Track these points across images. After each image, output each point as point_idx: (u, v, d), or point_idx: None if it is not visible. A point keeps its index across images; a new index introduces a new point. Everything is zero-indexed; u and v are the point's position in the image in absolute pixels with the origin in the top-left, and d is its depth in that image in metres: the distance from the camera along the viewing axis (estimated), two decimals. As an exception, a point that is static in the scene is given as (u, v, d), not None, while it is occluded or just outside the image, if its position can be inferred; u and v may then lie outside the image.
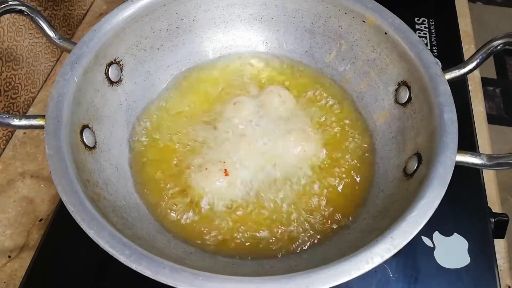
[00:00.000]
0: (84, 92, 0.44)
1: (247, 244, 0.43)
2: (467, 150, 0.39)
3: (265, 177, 0.47)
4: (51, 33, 0.47)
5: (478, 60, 0.45)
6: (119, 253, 0.33)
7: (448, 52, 0.67)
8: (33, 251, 0.49)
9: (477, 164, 0.39)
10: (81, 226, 0.34)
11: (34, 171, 0.58)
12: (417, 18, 0.72)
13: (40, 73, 0.66)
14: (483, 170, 0.53)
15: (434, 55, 0.50)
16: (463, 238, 0.48)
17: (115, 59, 0.49)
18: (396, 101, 0.49)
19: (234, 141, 0.49)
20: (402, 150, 0.46)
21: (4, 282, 0.49)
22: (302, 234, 0.44)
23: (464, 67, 0.45)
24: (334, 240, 0.43)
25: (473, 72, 0.47)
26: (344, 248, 0.40)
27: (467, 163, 0.39)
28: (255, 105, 0.52)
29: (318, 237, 0.44)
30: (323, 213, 0.45)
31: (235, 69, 0.57)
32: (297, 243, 0.43)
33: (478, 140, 0.58)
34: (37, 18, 0.46)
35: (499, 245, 0.51)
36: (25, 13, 0.46)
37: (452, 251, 0.47)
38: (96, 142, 0.45)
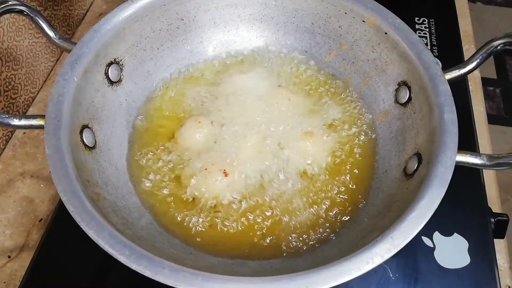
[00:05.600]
0: (84, 92, 0.44)
1: (247, 244, 0.43)
2: (467, 150, 0.39)
3: (266, 177, 0.47)
4: (51, 33, 0.47)
5: (478, 60, 0.45)
6: (119, 253, 0.33)
7: (448, 52, 0.67)
8: (33, 251, 0.49)
9: (477, 164, 0.39)
10: (81, 226, 0.34)
11: (34, 171, 0.58)
12: (417, 18, 0.72)
13: (40, 73, 0.66)
14: (483, 170, 0.53)
15: (434, 55, 0.50)
16: (463, 238, 0.48)
17: (115, 59, 0.49)
18: (396, 101, 0.49)
19: (234, 141, 0.49)
20: (402, 150, 0.46)
21: (4, 282, 0.49)
22: (302, 234, 0.44)
23: (464, 67, 0.45)
24: (334, 240, 0.43)
25: (473, 72, 0.47)
26: (344, 248, 0.40)
27: (467, 163, 0.39)
28: (256, 105, 0.52)
29: (318, 237, 0.44)
30: (323, 213, 0.45)
31: (235, 69, 0.57)
32: (297, 243, 0.43)
33: (478, 140, 0.58)
34: (37, 18, 0.46)
35: (499, 245, 0.50)
36: (25, 13, 0.46)
37: (452, 251, 0.47)
38: (96, 142, 0.45)
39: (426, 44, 0.68)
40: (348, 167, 0.48)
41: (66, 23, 0.72)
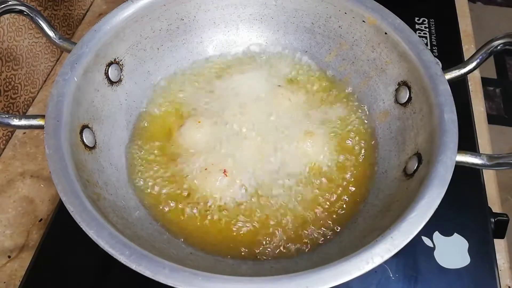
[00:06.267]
0: (84, 92, 0.44)
1: (247, 244, 0.43)
2: (467, 150, 0.39)
3: (266, 178, 0.47)
4: (51, 33, 0.47)
5: (478, 60, 0.45)
6: (119, 253, 0.33)
7: (448, 52, 0.67)
8: (33, 251, 0.49)
9: (477, 164, 0.39)
10: (81, 226, 0.34)
11: (34, 171, 0.58)
12: (417, 18, 0.72)
13: (40, 73, 0.66)
14: (483, 170, 0.53)
15: (434, 55, 0.50)
16: (463, 238, 0.48)
17: (115, 59, 0.49)
18: (396, 101, 0.49)
19: (234, 141, 0.49)
20: (402, 150, 0.46)
21: (4, 282, 0.49)
22: (302, 234, 0.44)
23: (464, 67, 0.45)
24: (334, 240, 0.43)
25: (473, 72, 0.47)
26: (344, 248, 0.40)
27: (467, 163, 0.39)
28: (256, 105, 0.52)
29: (318, 237, 0.44)
30: (323, 213, 0.45)
31: (235, 70, 0.57)
32: (297, 243, 0.43)
33: (478, 140, 0.58)
34: (37, 18, 0.46)
35: (499, 245, 0.50)
36: (25, 13, 0.46)
37: (452, 251, 0.47)
38: (96, 142, 0.45)
39: (426, 44, 0.68)
40: (348, 167, 0.48)
41: (66, 23, 0.72)
